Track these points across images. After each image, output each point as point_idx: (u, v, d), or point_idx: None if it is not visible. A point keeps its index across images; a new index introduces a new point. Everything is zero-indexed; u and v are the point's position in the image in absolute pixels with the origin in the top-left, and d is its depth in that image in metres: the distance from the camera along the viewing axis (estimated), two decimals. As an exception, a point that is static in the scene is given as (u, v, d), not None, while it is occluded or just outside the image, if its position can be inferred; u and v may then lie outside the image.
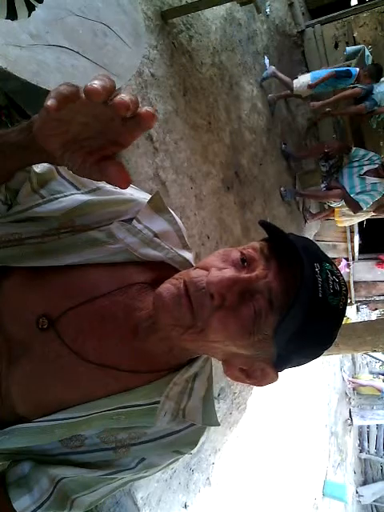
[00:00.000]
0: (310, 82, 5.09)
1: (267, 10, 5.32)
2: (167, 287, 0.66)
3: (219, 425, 0.79)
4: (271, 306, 0.63)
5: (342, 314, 0.65)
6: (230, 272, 0.64)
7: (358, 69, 5.14)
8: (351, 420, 11.09)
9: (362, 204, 5.18)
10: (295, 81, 5.27)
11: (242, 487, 4.42)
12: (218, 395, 3.73)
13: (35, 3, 0.89)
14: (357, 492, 11.21)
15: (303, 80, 5.21)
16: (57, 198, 0.74)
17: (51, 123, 0.52)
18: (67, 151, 0.54)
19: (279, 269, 0.64)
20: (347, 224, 6.26)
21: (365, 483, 12.59)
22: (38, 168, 0.74)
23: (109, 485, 0.80)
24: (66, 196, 0.74)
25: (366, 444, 12.96)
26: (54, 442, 0.77)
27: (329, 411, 9.06)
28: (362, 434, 13.00)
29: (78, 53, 1.99)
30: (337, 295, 0.63)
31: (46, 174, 0.75)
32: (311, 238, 7.19)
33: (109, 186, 0.78)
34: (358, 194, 5.14)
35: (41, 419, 0.73)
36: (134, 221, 0.76)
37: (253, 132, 4.79)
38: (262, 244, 0.68)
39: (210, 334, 0.65)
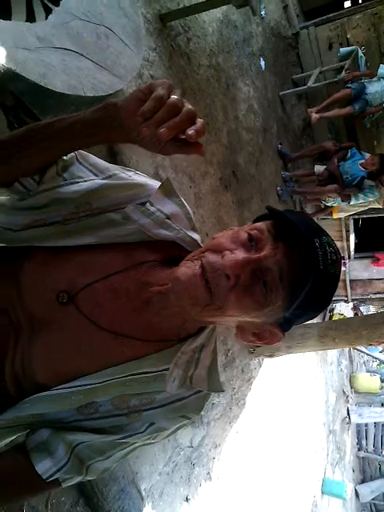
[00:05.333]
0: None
1: (262, 13, 5.42)
2: (184, 271, 0.73)
3: (224, 390, 0.87)
4: (281, 281, 0.70)
5: (338, 278, 0.74)
6: (241, 254, 0.71)
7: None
8: (349, 418, 11.11)
9: (352, 198, 5.32)
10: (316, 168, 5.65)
11: (242, 483, 4.47)
12: (218, 390, 3.79)
13: (52, 7, 0.96)
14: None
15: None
16: (77, 182, 0.82)
17: (139, 102, 0.63)
18: (146, 127, 0.62)
19: (287, 248, 0.71)
20: (342, 216, 6.36)
21: (363, 481, 12.62)
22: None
23: (121, 451, 0.87)
24: (85, 181, 0.83)
25: (364, 442, 12.97)
26: (70, 411, 0.83)
27: (327, 409, 9.09)
28: (360, 433, 13.01)
29: (82, 55, 2.06)
30: (333, 264, 0.71)
31: (68, 160, 0.84)
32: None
33: (123, 174, 0.86)
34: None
35: (60, 386, 0.79)
36: (148, 204, 0.83)
37: (249, 132, 4.87)
38: (268, 224, 0.76)
39: (228, 310, 0.73)
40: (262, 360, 4.82)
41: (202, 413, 3.48)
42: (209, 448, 3.86)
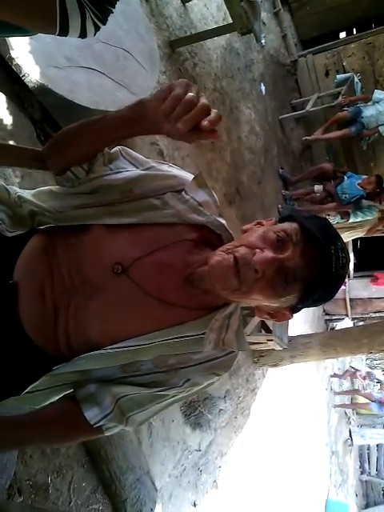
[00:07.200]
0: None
1: (263, 41, 5.71)
2: (219, 261, 0.88)
3: (248, 349, 1.03)
4: (299, 278, 0.86)
5: (345, 277, 0.90)
6: (270, 253, 0.85)
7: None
8: (351, 440, 11.01)
9: (351, 215, 5.51)
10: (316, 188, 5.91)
11: (247, 496, 4.51)
12: (224, 397, 3.90)
13: (100, 25, 1.14)
14: None
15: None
16: (121, 172, 0.98)
17: (161, 101, 0.76)
18: (166, 122, 0.75)
19: (304, 251, 0.87)
20: (346, 240, 6.54)
21: (367, 506, 12.39)
22: (109, 149, 0.99)
23: (158, 404, 1.00)
24: (127, 171, 0.99)
25: (366, 466, 12.78)
26: (115, 369, 0.97)
27: (329, 430, 9.06)
28: (363, 456, 12.83)
29: (104, 74, 2.28)
30: (343, 267, 0.87)
31: (114, 154, 1.00)
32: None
33: (159, 166, 1.02)
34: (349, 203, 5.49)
35: (112, 346, 0.92)
36: (183, 192, 0.98)
37: (252, 152, 5.11)
38: (293, 228, 0.90)
39: (252, 295, 0.89)
40: (266, 370, 4.92)
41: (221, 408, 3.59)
42: (215, 456, 3.95)
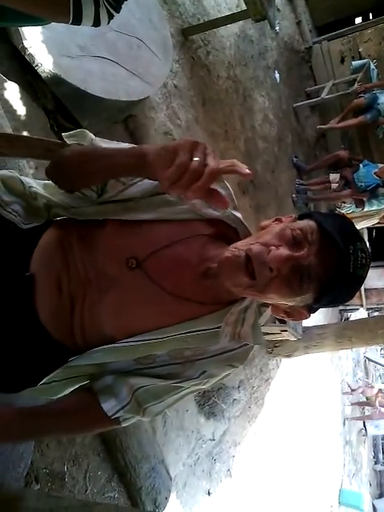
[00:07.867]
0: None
1: (277, 28, 5.62)
2: (227, 257, 0.87)
3: (265, 343, 1.02)
4: (316, 278, 0.85)
5: (364, 278, 0.87)
6: (285, 251, 0.84)
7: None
8: (365, 430, 10.98)
9: (366, 204, 5.45)
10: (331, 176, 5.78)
11: (260, 485, 4.52)
12: (238, 386, 3.91)
13: (114, 13, 1.12)
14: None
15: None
16: (135, 183, 0.95)
17: (164, 162, 0.72)
18: (172, 190, 0.70)
19: (320, 250, 0.85)
20: (359, 228, 6.47)
21: (381, 496, 12.37)
22: None
23: (174, 395, 1.00)
24: (141, 180, 0.96)
25: (380, 456, 12.75)
26: (130, 362, 0.97)
27: (342, 420, 9.06)
28: (377, 446, 12.80)
29: (117, 63, 2.26)
30: (363, 267, 0.84)
31: None
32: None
33: None
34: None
35: (128, 340, 0.92)
36: None
37: (265, 141, 5.06)
38: (310, 226, 0.86)
39: (267, 293, 0.88)
40: (280, 361, 4.92)
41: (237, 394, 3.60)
42: (229, 445, 3.96)
